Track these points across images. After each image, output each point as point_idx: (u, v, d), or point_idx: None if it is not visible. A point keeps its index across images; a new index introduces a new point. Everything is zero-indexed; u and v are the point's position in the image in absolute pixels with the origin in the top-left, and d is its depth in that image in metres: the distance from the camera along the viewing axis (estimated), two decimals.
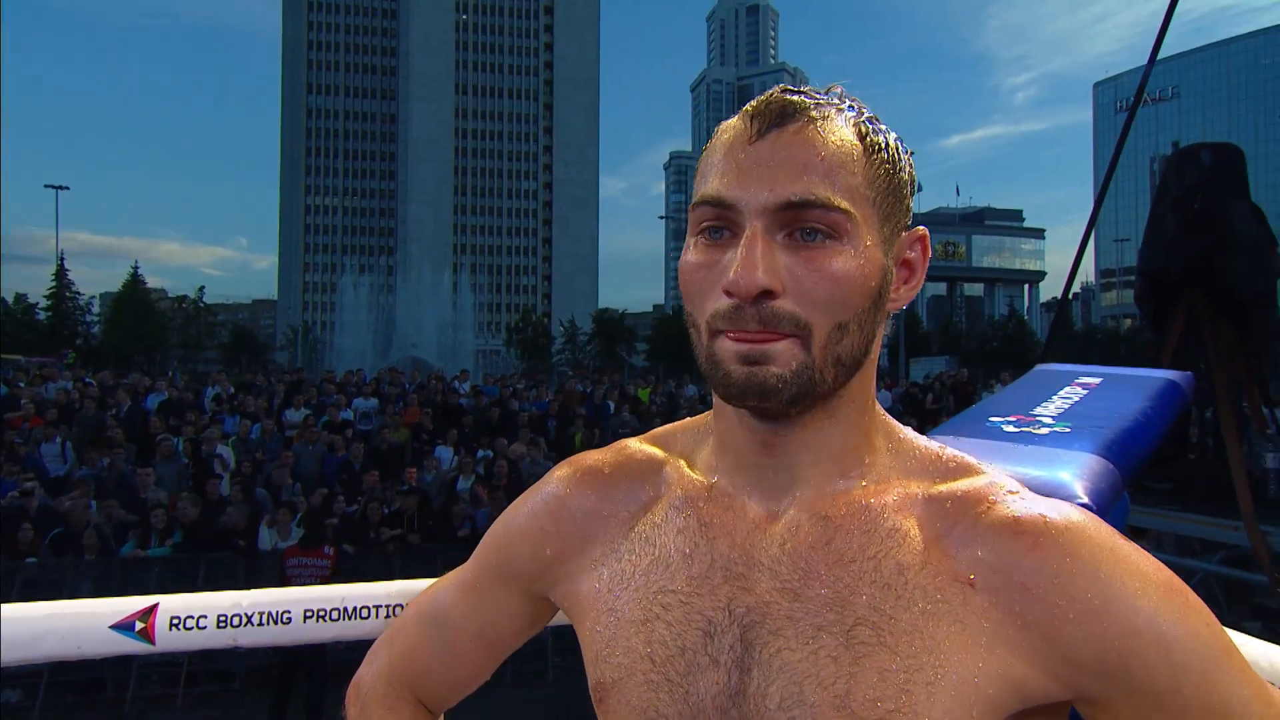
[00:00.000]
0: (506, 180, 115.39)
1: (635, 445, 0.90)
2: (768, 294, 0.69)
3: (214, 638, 1.21)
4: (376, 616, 1.30)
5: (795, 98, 0.73)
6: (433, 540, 8.37)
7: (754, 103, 0.74)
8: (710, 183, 0.73)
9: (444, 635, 0.95)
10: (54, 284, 53.33)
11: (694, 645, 0.74)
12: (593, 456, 0.90)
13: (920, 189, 0.67)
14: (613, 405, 15.07)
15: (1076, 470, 1.31)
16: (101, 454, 9.35)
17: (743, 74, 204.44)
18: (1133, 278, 8.60)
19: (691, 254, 0.74)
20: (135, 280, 59.10)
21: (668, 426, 0.91)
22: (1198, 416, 5.45)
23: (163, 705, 6.63)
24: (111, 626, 1.15)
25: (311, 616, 1.26)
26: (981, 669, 0.67)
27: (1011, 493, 0.73)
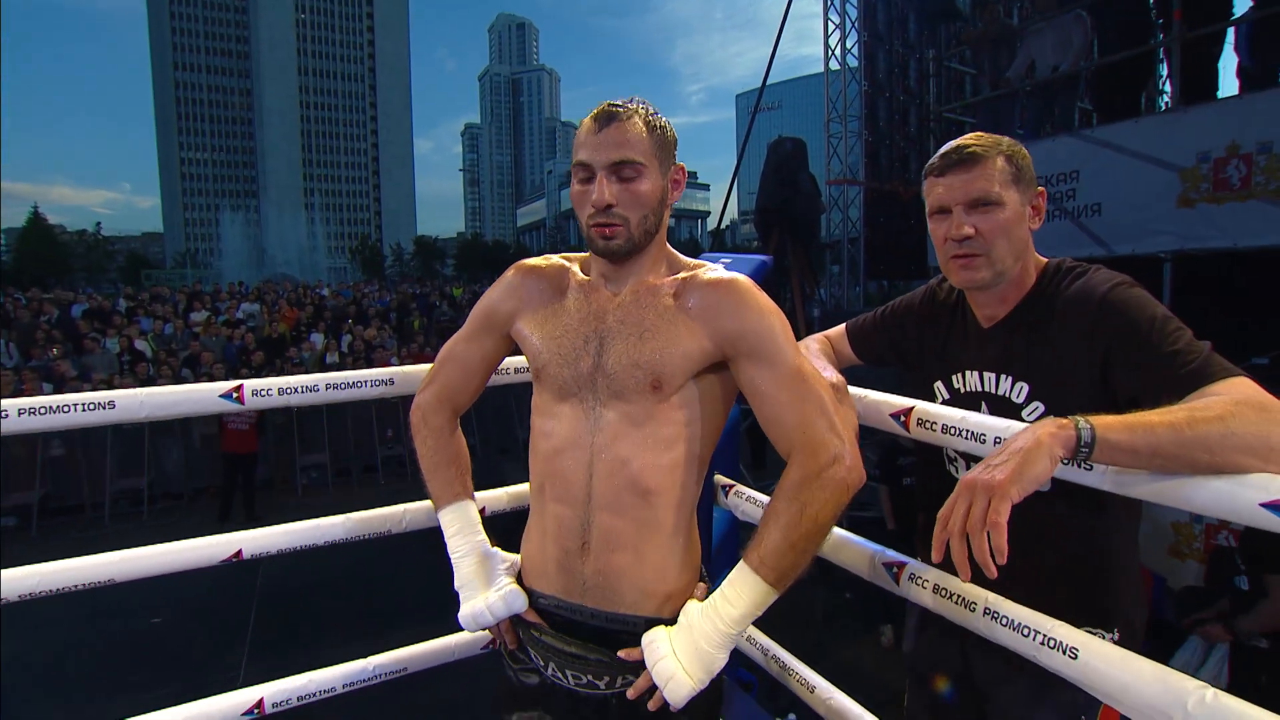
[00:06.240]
0: (343, 141, 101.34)
1: (556, 258, 1.07)
2: (609, 206, 0.93)
3: (290, 400, 1.16)
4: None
5: (617, 108, 0.94)
6: None
7: (597, 110, 0.95)
8: (580, 154, 0.95)
9: (461, 365, 1.11)
10: None
11: (579, 347, 0.98)
12: (533, 260, 1.08)
13: (676, 143, 1.00)
14: (435, 301, 14.61)
15: None
16: (43, 351, 7.76)
17: (514, 70, 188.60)
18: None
19: (574, 187, 0.96)
20: (38, 217, 45.72)
21: (570, 254, 1.08)
22: (782, 294, 6.44)
23: (132, 520, 6.01)
24: (220, 395, 1.12)
25: (330, 387, 1.23)
26: (689, 345, 0.94)
27: (713, 270, 0.99)
